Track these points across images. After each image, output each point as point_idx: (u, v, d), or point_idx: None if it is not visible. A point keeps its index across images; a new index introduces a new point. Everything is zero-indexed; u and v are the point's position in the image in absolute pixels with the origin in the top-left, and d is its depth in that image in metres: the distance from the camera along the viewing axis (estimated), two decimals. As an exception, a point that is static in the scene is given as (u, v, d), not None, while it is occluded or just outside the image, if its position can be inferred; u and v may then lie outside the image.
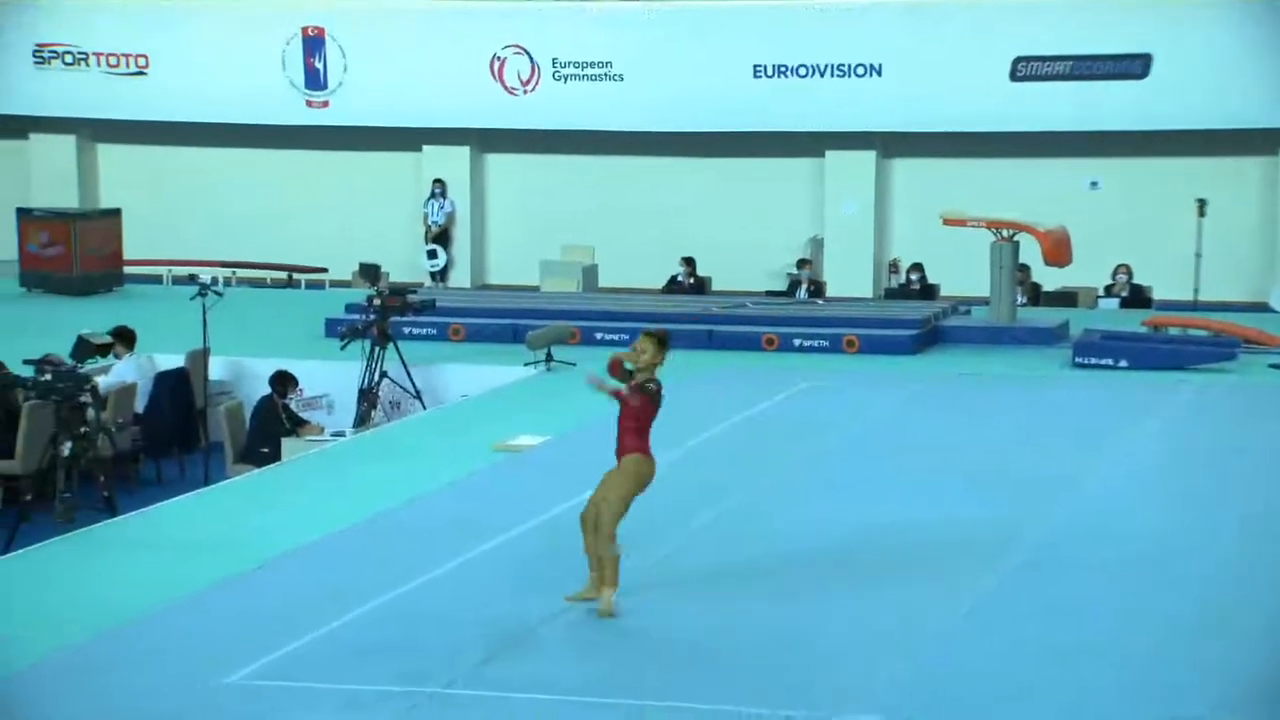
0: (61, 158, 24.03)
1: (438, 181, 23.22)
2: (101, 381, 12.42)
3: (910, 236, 21.99)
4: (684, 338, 15.89)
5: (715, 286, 20.56)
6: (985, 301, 16.83)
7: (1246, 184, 20.98)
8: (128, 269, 20.16)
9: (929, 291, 20.16)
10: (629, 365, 7.42)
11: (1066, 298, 19.78)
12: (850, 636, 7.15)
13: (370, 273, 14.64)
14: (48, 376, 10.41)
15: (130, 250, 20.13)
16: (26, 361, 10.66)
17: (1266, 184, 20.94)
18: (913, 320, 16.17)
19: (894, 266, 22.04)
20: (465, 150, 23.40)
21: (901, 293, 20.23)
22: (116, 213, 20.04)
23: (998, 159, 21.74)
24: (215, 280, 13.61)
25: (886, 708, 6.33)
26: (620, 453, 7.38)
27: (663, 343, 7.43)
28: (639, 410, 7.27)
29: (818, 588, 7.82)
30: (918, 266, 20.49)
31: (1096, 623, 7.32)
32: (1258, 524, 8.94)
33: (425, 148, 23.38)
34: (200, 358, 13.55)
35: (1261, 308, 19.59)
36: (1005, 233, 16.32)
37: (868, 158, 22.40)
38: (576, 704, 6.42)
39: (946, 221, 16.77)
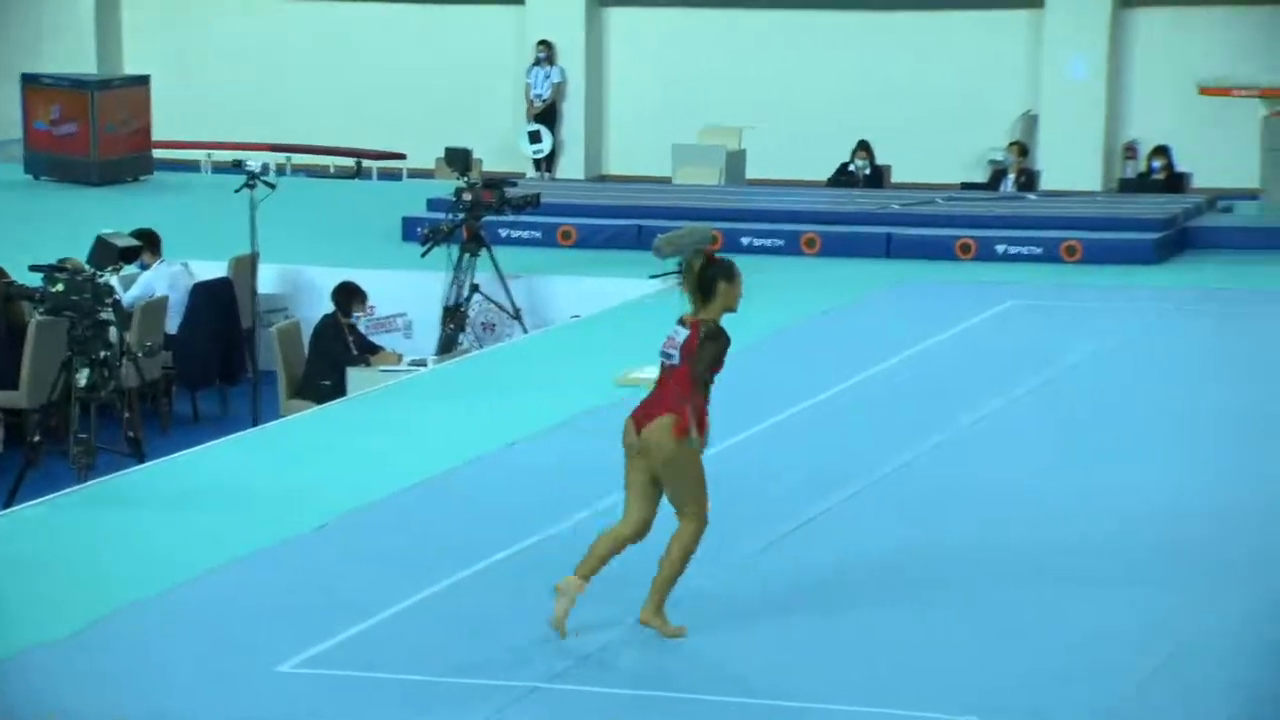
0: (77, 13, 24.44)
1: (543, 44, 23.20)
2: (125, 295, 12.68)
3: (1154, 111, 21.51)
4: (858, 243, 15.84)
5: (896, 178, 20.32)
6: (1253, 195, 16.47)
7: None
8: (157, 153, 20.51)
9: (1177, 183, 19.71)
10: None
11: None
12: (1035, 649, 6.98)
13: (459, 160, 14.63)
14: (60, 287, 10.61)
15: (161, 130, 20.47)
16: (34, 268, 10.86)
17: None
18: (1155, 220, 15.88)
19: (1131, 150, 21.63)
20: (579, 3, 23.32)
21: (1141, 184, 19.82)
22: (144, 81, 20.34)
23: (1276, 5, 21.09)
24: (266, 168, 13.77)
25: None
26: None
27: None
28: None
29: (993, 583, 7.61)
30: (1163, 150, 19.99)
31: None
32: None
33: (528, 0, 23.38)
34: (248, 266, 13.73)
35: None
36: (1281, 105, 15.91)
37: (1101, 6, 21.88)
38: (706, 704, 6.43)
39: (1204, 91, 16.47)
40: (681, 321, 6.82)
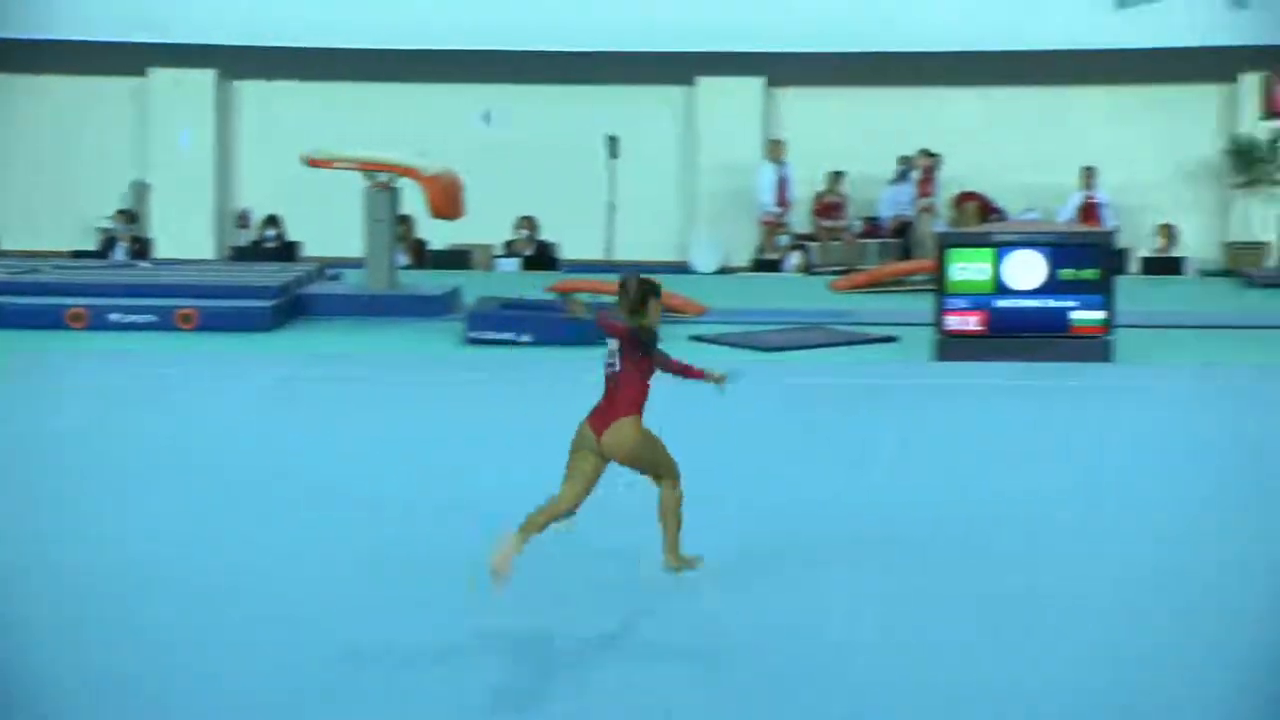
0: None
1: None
2: None
3: (264, 180, 21.88)
4: (-43, 315, 15.13)
5: (2, 247, 19.60)
6: (360, 263, 17.04)
7: (662, 118, 22.41)
8: None
9: (289, 251, 20.20)
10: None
11: (458, 258, 20.40)
12: None
13: None
14: None
15: None
16: None
17: (683, 119, 22.47)
18: (268, 288, 16.11)
19: (244, 219, 21.89)
20: None
21: (254, 252, 20.16)
22: None
23: (367, 82, 22.03)
24: None
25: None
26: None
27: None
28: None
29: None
30: (274, 220, 20.44)
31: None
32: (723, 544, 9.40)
33: None
34: None
35: (682, 269, 21.03)
36: (382, 177, 16.56)
37: (205, 77, 22.06)
38: None
39: (311, 162, 16.84)
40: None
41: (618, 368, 7.49)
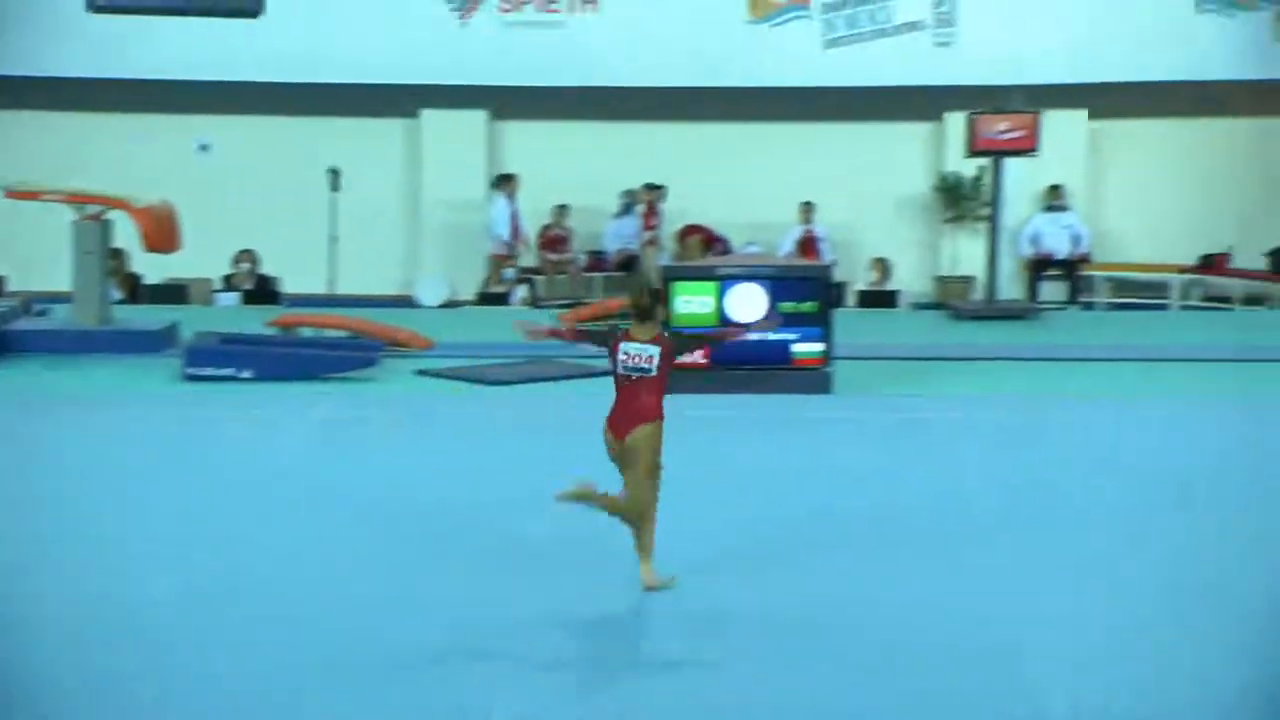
0: None
1: None
2: None
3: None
4: None
5: None
6: (69, 298, 16.47)
7: (385, 150, 22.22)
8: None
9: (-7, 286, 19.45)
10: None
11: (175, 292, 19.88)
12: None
13: None
14: None
15: None
16: None
17: (406, 152, 22.32)
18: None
19: (-56, 253, 21.06)
20: None
21: (-45, 287, 19.37)
22: None
23: (77, 112, 21.39)
24: None
25: None
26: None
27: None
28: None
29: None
30: (-23, 253, 19.66)
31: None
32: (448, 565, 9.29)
33: None
34: None
35: (407, 302, 20.83)
36: (92, 209, 16.07)
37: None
38: None
39: (10, 194, 16.31)
40: (629, 337, 7.72)
41: (653, 373, 7.67)
